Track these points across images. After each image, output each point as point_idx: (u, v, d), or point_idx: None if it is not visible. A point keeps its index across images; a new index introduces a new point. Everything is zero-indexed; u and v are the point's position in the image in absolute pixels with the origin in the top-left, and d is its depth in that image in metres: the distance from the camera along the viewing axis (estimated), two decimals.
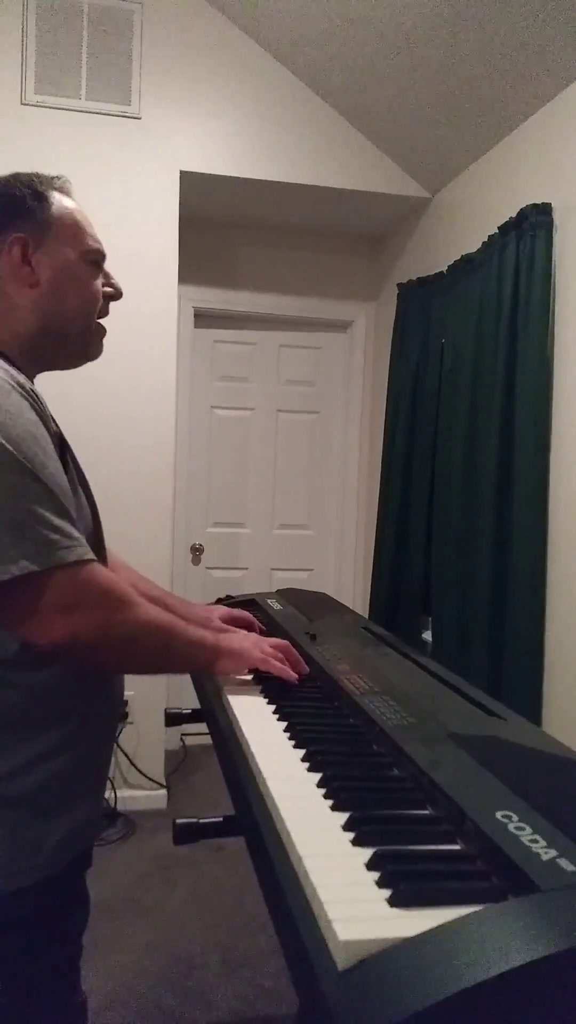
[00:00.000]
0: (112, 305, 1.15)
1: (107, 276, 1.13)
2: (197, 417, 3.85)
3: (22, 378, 0.96)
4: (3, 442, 0.87)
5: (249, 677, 1.19)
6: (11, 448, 0.87)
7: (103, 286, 1.12)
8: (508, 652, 2.43)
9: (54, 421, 1.01)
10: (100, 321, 1.12)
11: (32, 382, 1.02)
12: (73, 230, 1.08)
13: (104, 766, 1.11)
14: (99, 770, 1.09)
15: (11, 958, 0.98)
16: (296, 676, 1.14)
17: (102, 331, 1.14)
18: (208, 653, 1.09)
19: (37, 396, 0.97)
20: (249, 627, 1.39)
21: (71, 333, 1.09)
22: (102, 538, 1.11)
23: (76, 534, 0.92)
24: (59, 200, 1.08)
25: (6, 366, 0.95)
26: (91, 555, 0.93)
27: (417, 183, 3.29)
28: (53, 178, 1.10)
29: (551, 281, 2.36)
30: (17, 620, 0.90)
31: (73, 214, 1.09)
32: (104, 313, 1.13)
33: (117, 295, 1.14)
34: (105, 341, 1.15)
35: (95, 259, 1.10)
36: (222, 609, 1.42)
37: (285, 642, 1.19)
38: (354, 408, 3.97)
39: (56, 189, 1.09)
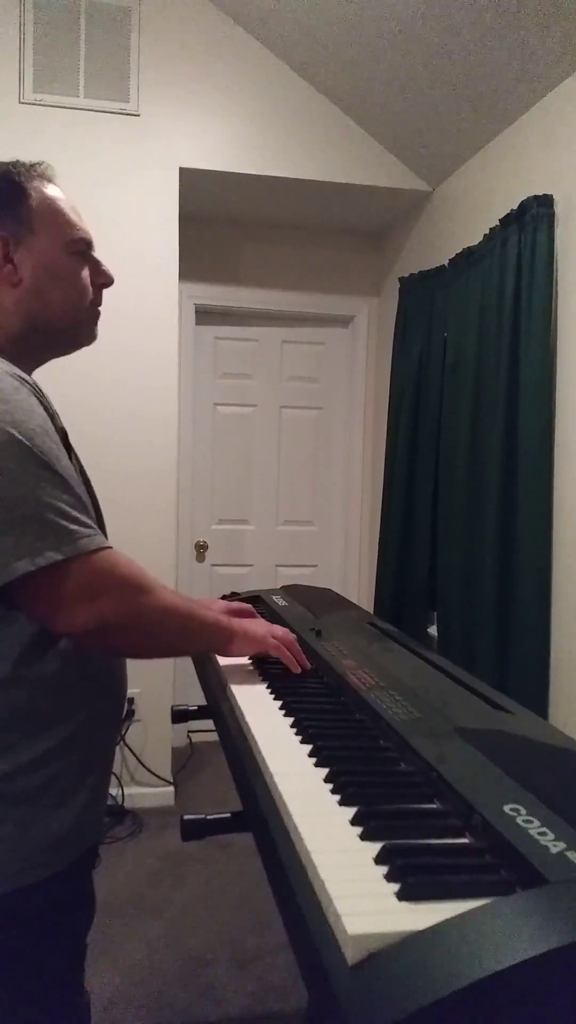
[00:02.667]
0: (114, 304, 1.13)
1: (95, 263, 1.10)
2: (200, 414, 3.85)
3: (25, 374, 0.96)
4: (20, 437, 0.88)
5: (251, 667, 1.20)
6: (27, 442, 0.89)
7: (94, 274, 1.10)
8: (514, 646, 2.43)
9: (58, 416, 1.01)
10: (94, 307, 1.10)
11: (30, 376, 1.02)
12: (55, 221, 1.05)
13: (109, 763, 1.12)
14: (105, 767, 1.09)
15: (16, 957, 0.98)
16: (300, 669, 1.17)
17: (95, 316, 1.12)
18: (224, 634, 1.12)
19: (41, 392, 0.97)
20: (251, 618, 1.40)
21: (60, 327, 1.07)
22: (105, 533, 1.12)
23: (92, 523, 0.94)
24: (39, 190, 1.04)
25: (7, 363, 0.95)
26: (108, 543, 0.95)
27: (418, 177, 3.28)
28: (33, 165, 1.06)
29: (553, 273, 2.35)
30: (44, 610, 0.92)
31: (55, 203, 1.05)
32: (97, 301, 1.11)
33: (108, 283, 1.12)
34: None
35: (80, 249, 1.07)
36: (220, 602, 1.43)
37: (292, 635, 1.21)
38: (357, 403, 3.96)
39: (38, 176, 1.05)
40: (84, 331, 1.11)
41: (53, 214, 1.05)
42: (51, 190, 1.06)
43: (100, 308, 1.13)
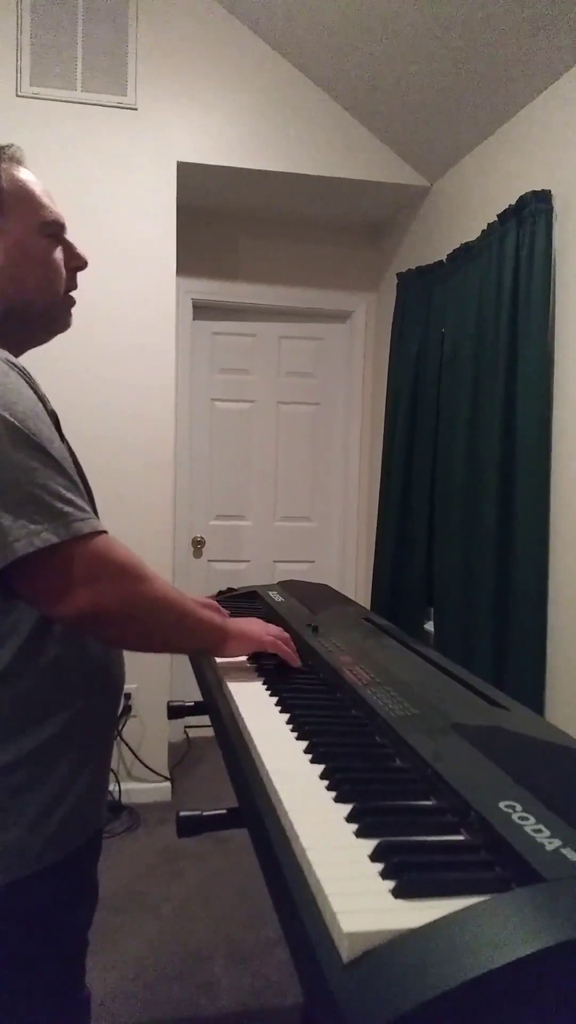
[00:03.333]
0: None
1: (69, 246, 1.09)
2: (197, 410, 3.84)
3: (13, 358, 0.96)
4: (11, 419, 0.88)
5: (248, 663, 1.20)
6: (19, 424, 0.88)
7: (68, 257, 1.09)
8: (511, 641, 2.43)
9: (48, 400, 1.01)
10: (68, 292, 1.10)
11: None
12: (27, 203, 1.04)
13: (107, 757, 1.12)
14: (102, 761, 1.09)
15: (14, 951, 0.98)
16: (298, 663, 1.17)
17: (70, 302, 1.11)
18: (218, 634, 1.11)
19: (30, 376, 0.96)
20: (218, 614, 1.40)
21: (35, 312, 1.06)
22: None
23: (87, 507, 0.93)
24: (10, 172, 1.03)
25: None
26: (103, 527, 0.94)
27: (416, 172, 3.27)
28: (3, 148, 1.04)
29: (551, 268, 2.34)
30: (41, 593, 0.91)
31: (26, 185, 1.04)
32: (72, 286, 1.10)
33: (82, 265, 1.11)
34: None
35: (53, 231, 1.06)
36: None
37: (287, 635, 1.21)
38: (355, 399, 3.96)
39: (7, 159, 1.04)
40: (59, 316, 1.10)
41: (25, 196, 1.04)
42: (22, 172, 1.05)
43: (74, 294, 1.12)
